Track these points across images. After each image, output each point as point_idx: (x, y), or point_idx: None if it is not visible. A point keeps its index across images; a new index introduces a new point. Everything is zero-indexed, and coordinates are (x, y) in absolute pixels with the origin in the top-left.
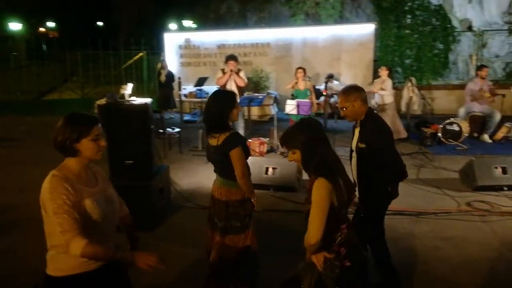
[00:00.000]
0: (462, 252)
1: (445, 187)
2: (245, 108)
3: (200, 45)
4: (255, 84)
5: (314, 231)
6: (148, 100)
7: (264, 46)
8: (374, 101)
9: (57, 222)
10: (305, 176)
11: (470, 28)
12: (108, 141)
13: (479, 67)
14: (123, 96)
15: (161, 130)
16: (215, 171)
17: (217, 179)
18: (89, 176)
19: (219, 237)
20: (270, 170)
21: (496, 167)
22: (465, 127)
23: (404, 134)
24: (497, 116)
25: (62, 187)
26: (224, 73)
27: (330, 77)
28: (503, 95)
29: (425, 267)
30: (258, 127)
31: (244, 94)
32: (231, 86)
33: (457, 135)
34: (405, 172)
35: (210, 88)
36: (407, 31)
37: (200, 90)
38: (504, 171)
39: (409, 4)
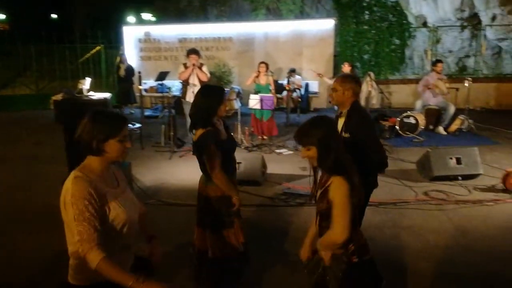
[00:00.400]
0: (421, 240)
1: (403, 177)
2: None
3: (160, 39)
4: (218, 78)
5: (341, 230)
6: (107, 95)
7: (226, 41)
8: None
9: (77, 229)
10: (269, 170)
11: (425, 24)
12: (66, 137)
13: (435, 62)
14: (81, 91)
15: None
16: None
17: (202, 177)
18: (110, 176)
19: (209, 233)
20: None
21: (451, 158)
22: (421, 120)
23: None
24: (451, 109)
25: (85, 191)
26: (186, 67)
27: (292, 72)
28: (457, 89)
29: (386, 255)
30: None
31: None
32: (194, 81)
33: (413, 127)
34: (386, 163)
35: (171, 82)
36: (365, 27)
37: (161, 84)
38: (459, 161)
39: (367, 0)
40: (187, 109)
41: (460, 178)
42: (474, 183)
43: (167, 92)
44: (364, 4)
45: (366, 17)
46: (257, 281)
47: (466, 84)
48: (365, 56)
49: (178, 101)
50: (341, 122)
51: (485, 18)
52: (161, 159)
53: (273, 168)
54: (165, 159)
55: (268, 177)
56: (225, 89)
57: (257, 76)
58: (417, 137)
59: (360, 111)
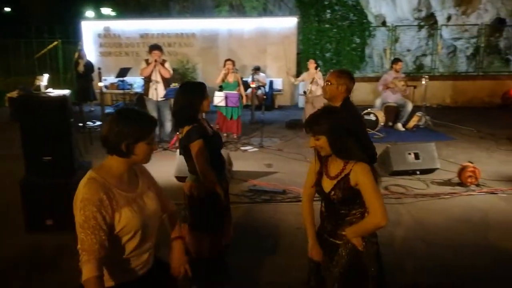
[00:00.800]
0: (382, 232)
1: None
2: (172, 100)
3: (121, 34)
4: (181, 75)
5: (383, 212)
6: (66, 91)
7: (189, 37)
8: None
9: (79, 237)
10: (235, 167)
11: (384, 24)
12: (23, 136)
13: (394, 61)
14: (38, 87)
15: (81, 124)
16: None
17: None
18: (130, 177)
19: (187, 231)
20: None
21: (409, 153)
22: (381, 117)
23: None
24: (409, 106)
25: (95, 197)
26: (148, 63)
27: (257, 70)
28: (414, 87)
29: None
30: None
31: (170, 85)
32: (156, 77)
33: (374, 124)
34: (376, 158)
35: (133, 79)
36: (327, 26)
37: (122, 81)
38: (417, 156)
39: None
40: (150, 106)
41: (418, 172)
42: (431, 177)
43: (128, 89)
44: (326, 3)
45: (328, 15)
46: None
47: (423, 82)
48: (327, 54)
49: (140, 98)
50: None
51: (441, 18)
52: None
53: (238, 165)
54: None
55: (234, 174)
56: None
57: (225, 75)
58: (377, 133)
59: (352, 106)
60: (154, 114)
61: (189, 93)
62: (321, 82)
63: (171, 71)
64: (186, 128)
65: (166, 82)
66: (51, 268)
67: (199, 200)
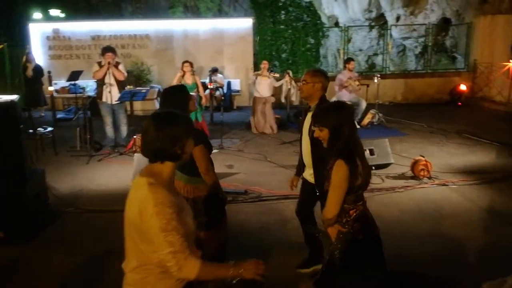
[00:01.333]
0: None
1: None
2: (127, 103)
3: (71, 36)
4: (136, 77)
5: (331, 207)
6: (14, 97)
7: (143, 38)
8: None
9: (166, 241)
10: None
11: (336, 24)
12: None
13: (347, 60)
14: None
15: (31, 130)
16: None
17: (180, 177)
18: (173, 183)
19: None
20: None
21: (364, 149)
22: None
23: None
24: (363, 104)
25: (167, 199)
26: (101, 66)
27: (214, 71)
28: (367, 86)
29: None
30: (143, 122)
31: (125, 88)
32: (110, 80)
33: None
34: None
35: (85, 82)
36: (282, 27)
37: (74, 85)
38: (372, 152)
39: (283, 0)
40: (104, 110)
41: (373, 168)
42: (386, 172)
43: (81, 93)
44: (280, 4)
45: (283, 16)
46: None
47: (376, 81)
48: (283, 55)
49: (94, 102)
50: (309, 115)
51: (390, 19)
52: (78, 164)
53: None
54: (82, 164)
55: None
56: (146, 88)
57: (182, 76)
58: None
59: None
60: (108, 118)
61: (174, 96)
62: (273, 82)
63: (126, 74)
64: None
65: (121, 84)
66: (2, 282)
67: (211, 200)
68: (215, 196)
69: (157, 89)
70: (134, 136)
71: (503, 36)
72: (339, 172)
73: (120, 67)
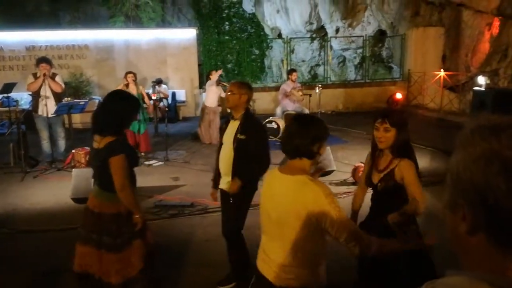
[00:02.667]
0: None
1: None
2: (65, 116)
3: (3, 47)
4: (75, 89)
5: (424, 201)
6: None
7: (82, 48)
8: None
9: (343, 225)
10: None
11: (280, 36)
12: None
13: (290, 71)
14: None
15: None
16: (93, 177)
17: (94, 187)
18: None
19: (107, 254)
20: None
21: None
22: (282, 125)
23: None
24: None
25: (329, 189)
26: (36, 77)
27: (158, 82)
28: (310, 95)
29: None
30: (83, 136)
31: (63, 100)
32: (46, 92)
33: (276, 132)
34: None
35: (19, 95)
36: (227, 37)
37: (7, 97)
38: None
39: (226, 11)
40: (40, 124)
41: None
42: (329, 178)
43: (14, 106)
44: (224, 15)
45: (227, 27)
46: None
47: (317, 91)
48: (229, 65)
49: (29, 116)
50: (233, 125)
51: (330, 31)
52: (11, 181)
53: (142, 181)
54: (16, 181)
55: (138, 191)
56: (84, 100)
57: (126, 86)
58: (279, 140)
59: (253, 116)
60: (44, 132)
61: (124, 101)
62: (222, 93)
63: (63, 85)
64: (108, 139)
65: (57, 97)
66: None
67: (108, 219)
68: (124, 218)
69: (97, 101)
70: (73, 151)
71: (433, 47)
72: (410, 169)
73: (57, 78)
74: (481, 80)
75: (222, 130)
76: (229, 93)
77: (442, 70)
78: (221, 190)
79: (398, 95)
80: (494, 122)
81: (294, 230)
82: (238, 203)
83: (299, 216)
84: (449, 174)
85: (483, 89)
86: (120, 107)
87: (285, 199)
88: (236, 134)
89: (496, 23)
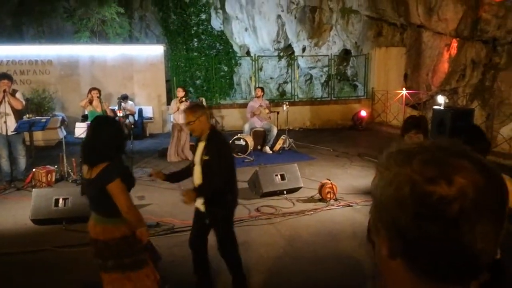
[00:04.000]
0: (254, 255)
1: (238, 197)
2: (26, 134)
3: None
4: (37, 105)
5: None
6: None
7: (45, 64)
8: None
9: None
10: None
11: (248, 53)
12: None
13: (255, 89)
14: None
15: None
16: (89, 207)
17: (92, 216)
18: None
19: (115, 274)
20: (61, 201)
21: (276, 175)
22: (250, 141)
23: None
24: (274, 130)
25: None
26: None
27: (124, 98)
28: (277, 113)
29: (225, 272)
30: (45, 154)
31: (23, 117)
32: (5, 109)
33: (244, 149)
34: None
35: None
36: (195, 54)
37: None
38: (283, 177)
39: (195, 28)
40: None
41: (285, 192)
42: (296, 195)
43: None
44: (192, 32)
45: (195, 44)
46: None
47: (285, 108)
48: (198, 82)
49: None
50: (201, 146)
51: (297, 49)
52: None
53: None
54: None
55: None
56: (46, 117)
57: (90, 103)
58: (248, 157)
59: (219, 134)
60: (4, 150)
61: (110, 129)
62: None
63: (23, 102)
64: (101, 166)
65: (18, 114)
66: None
67: (114, 243)
68: (129, 238)
69: (60, 117)
70: (34, 169)
71: (396, 66)
72: None
73: (18, 95)
74: (440, 99)
75: (194, 150)
76: (190, 124)
77: (404, 88)
78: (196, 207)
79: (363, 113)
80: (409, 148)
81: None
82: (216, 225)
83: None
84: (372, 197)
85: (442, 108)
86: (111, 132)
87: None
88: (202, 155)
89: (454, 44)
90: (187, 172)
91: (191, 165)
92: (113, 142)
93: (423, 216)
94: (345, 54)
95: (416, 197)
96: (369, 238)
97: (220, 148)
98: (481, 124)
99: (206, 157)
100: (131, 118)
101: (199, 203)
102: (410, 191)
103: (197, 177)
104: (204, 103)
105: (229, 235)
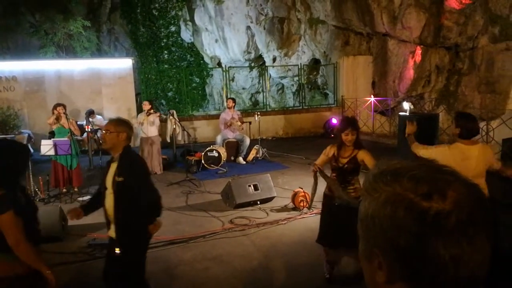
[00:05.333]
0: (228, 268)
1: (210, 209)
2: None
3: None
4: (2, 123)
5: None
6: None
7: (9, 80)
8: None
9: None
10: (71, 221)
11: (219, 64)
12: None
13: (227, 100)
14: None
15: None
16: None
17: None
18: None
19: None
20: None
21: (249, 185)
22: (223, 152)
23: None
24: (247, 141)
25: None
26: None
27: (91, 113)
28: (250, 123)
29: None
30: None
31: None
32: None
33: (217, 160)
34: (160, 206)
35: None
36: (166, 66)
37: None
38: (256, 187)
39: (165, 40)
40: None
41: (259, 202)
42: (270, 205)
43: None
44: (162, 44)
45: (166, 56)
46: None
47: (256, 118)
48: (169, 94)
49: None
50: (113, 167)
51: (268, 60)
52: None
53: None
54: None
55: (70, 230)
56: (11, 135)
57: (57, 120)
58: (221, 168)
59: (133, 154)
60: None
61: (9, 154)
62: (157, 121)
63: None
64: None
65: None
66: None
67: (10, 283)
68: (30, 278)
69: (26, 135)
70: None
71: (363, 74)
72: (369, 153)
73: None
74: (406, 105)
75: (104, 173)
76: (105, 132)
77: (372, 96)
78: (110, 237)
79: (334, 120)
80: (394, 167)
81: None
82: (129, 257)
83: None
84: (359, 222)
85: (407, 114)
86: (6, 159)
87: None
88: (114, 176)
89: (419, 51)
90: (99, 198)
91: (102, 189)
92: (10, 168)
93: (423, 234)
94: (315, 63)
95: (413, 215)
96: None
97: (137, 166)
98: (446, 128)
99: (120, 179)
100: (99, 133)
101: (112, 232)
102: (407, 210)
103: (109, 202)
104: (175, 115)
105: (143, 269)
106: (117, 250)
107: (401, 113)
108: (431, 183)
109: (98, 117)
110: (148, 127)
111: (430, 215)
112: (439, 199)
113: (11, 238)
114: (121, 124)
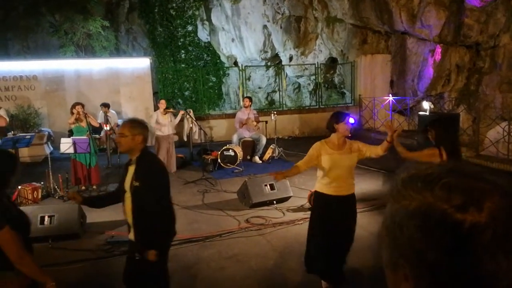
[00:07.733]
0: (245, 267)
1: (227, 208)
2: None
3: None
4: (23, 121)
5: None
6: None
7: (30, 79)
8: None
9: None
10: (89, 219)
11: (236, 63)
12: None
13: (243, 99)
14: None
15: None
16: None
17: None
18: None
19: None
20: (46, 218)
21: (265, 185)
22: (239, 152)
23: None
24: (263, 140)
25: None
26: None
27: (105, 107)
28: (266, 122)
29: None
30: (30, 170)
31: (8, 134)
32: None
33: (233, 159)
34: (173, 218)
35: None
36: (183, 65)
37: None
38: (272, 187)
39: (182, 40)
40: None
41: (275, 202)
42: (286, 205)
43: None
44: (179, 44)
45: (183, 56)
46: None
47: (273, 117)
48: (186, 93)
49: None
50: (131, 170)
51: (284, 58)
52: None
53: (93, 216)
54: None
55: (88, 227)
56: (32, 133)
57: (77, 120)
58: (237, 167)
59: (152, 157)
60: None
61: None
62: (174, 120)
63: (7, 119)
64: None
65: (1, 131)
66: None
67: None
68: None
69: (46, 133)
70: (19, 187)
71: (381, 73)
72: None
73: (1, 112)
74: (426, 105)
75: (122, 175)
76: (120, 136)
77: (390, 95)
78: (130, 240)
79: (351, 120)
80: (425, 173)
81: None
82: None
83: None
84: (384, 229)
85: (427, 113)
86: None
87: None
88: (132, 180)
89: (438, 49)
90: (113, 198)
91: (120, 192)
92: (4, 178)
93: (455, 248)
94: (332, 62)
95: (446, 228)
96: None
97: (154, 173)
98: (467, 128)
99: (137, 183)
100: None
101: (132, 235)
102: (439, 221)
103: (127, 206)
104: (192, 114)
105: (164, 270)
106: (137, 256)
107: (420, 113)
108: (466, 193)
109: (112, 112)
110: (167, 125)
111: (465, 228)
112: (475, 211)
113: (13, 254)
114: (136, 127)
